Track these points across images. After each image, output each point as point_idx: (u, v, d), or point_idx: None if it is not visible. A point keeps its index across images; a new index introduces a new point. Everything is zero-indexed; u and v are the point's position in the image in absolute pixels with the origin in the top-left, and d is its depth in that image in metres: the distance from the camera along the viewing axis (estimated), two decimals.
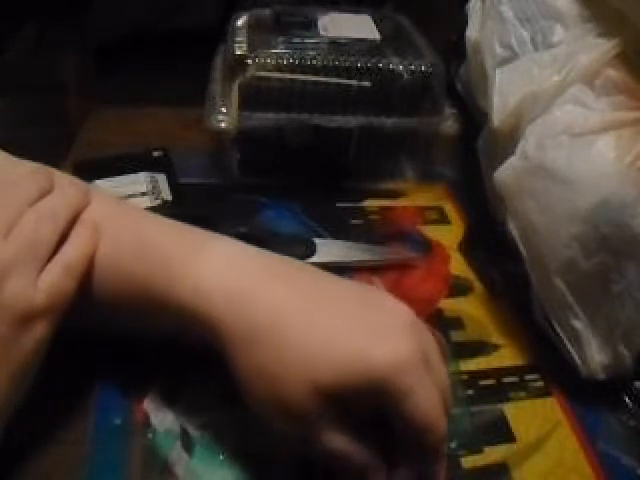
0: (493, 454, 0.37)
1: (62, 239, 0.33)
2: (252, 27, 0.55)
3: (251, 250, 0.35)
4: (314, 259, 0.48)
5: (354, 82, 0.51)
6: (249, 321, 0.31)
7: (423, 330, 0.32)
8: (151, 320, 0.34)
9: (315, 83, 0.50)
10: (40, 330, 0.30)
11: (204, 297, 0.31)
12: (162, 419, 0.36)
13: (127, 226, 0.35)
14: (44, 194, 0.33)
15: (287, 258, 0.35)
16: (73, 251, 0.32)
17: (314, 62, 0.50)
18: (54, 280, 0.31)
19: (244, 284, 0.32)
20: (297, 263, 0.35)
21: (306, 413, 0.29)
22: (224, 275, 0.32)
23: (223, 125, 0.50)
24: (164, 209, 0.52)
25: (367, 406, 0.30)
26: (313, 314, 0.31)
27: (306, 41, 0.53)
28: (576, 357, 0.40)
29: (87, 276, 0.33)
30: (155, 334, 0.35)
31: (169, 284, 0.32)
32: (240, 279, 0.32)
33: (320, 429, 0.30)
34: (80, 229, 0.34)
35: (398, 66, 0.52)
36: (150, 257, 0.33)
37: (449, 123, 0.54)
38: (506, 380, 0.42)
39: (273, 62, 0.50)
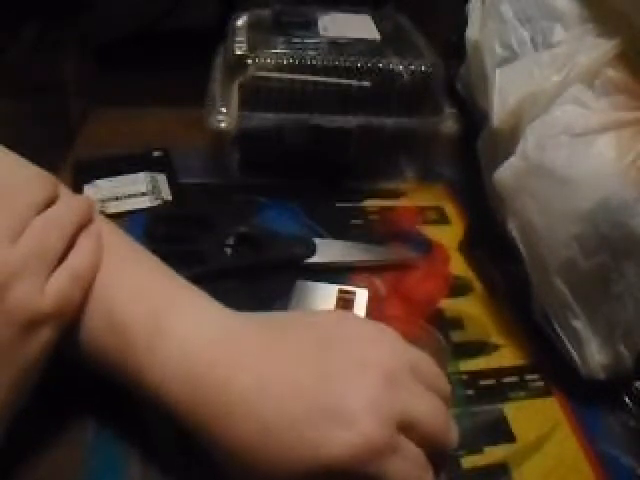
0: (493, 454, 0.37)
1: (68, 248, 0.33)
2: (252, 27, 0.55)
3: (212, 324, 0.33)
4: (314, 259, 0.48)
5: (354, 82, 0.51)
6: (207, 425, 0.30)
7: (403, 378, 0.30)
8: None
9: (315, 83, 0.50)
10: (45, 335, 0.30)
11: (170, 390, 0.31)
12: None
13: (100, 286, 0.33)
14: (50, 200, 0.33)
15: (249, 324, 0.33)
16: (80, 260, 0.33)
17: (314, 62, 0.50)
18: (61, 287, 0.31)
19: (199, 380, 0.31)
20: (262, 328, 0.33)
21: None
22: (183, 369, 0.31)
23: (223, 125, 0.50)
24: (164, 209, 0.52)
25: None
26: (266, 414, 0.29)
27: (306, 41, 0.53)
28: (576, 357, 0.40)
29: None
30: None
31: (138, 372, 0.32)
32: (201, 371, 0.31)
33: None
34: (86, 239, 0.34)
35: (398, 66, 0.52)
36: (117, 335, 0.32)
37: (449, 123, 0.54)
38: (506, 380, 0.42)
39: (273, 62, 0.50)
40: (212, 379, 0.31)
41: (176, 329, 0.32)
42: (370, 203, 0.56)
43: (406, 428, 0.29)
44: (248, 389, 0.30)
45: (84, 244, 0.34)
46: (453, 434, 0.31)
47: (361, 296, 0.45)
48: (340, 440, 0.28)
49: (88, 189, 0.52)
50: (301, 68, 0.50)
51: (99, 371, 0.34)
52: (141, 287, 0.34)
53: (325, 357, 0.31)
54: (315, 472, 0.28)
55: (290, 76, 0.50)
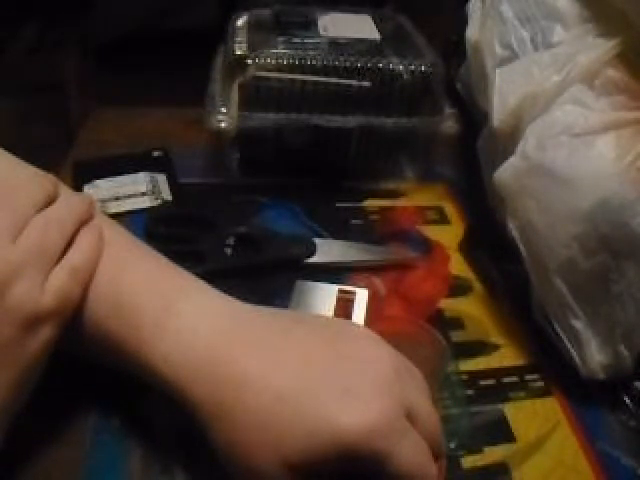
0: (493, 454, 0.37)
1: (68, 246, 0.33)
2: (252, 27, 0.55)
3: (223, 309, 0.34)
4: (314, 259, 0.48)
5: (354, 82, 0.51)
6: (215, 398, 0.30)
7: (406, 377, 0.31)
8: (127, 370, 0.33)
9: (315, 83, 0.50)
10: (46, 333, 0.30)
11: (173, 369, 0.31)
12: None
13: (107, 271, 0.34)
14: (50, 199, 0.33)
15: (260, 313, 0.34)
16: (79, 256, 0.33)
17: (314, 62, 0.50)
18: (61, 284, 0.31)
19: (212, 357, 0.31)
20: (270, 319, 0.34)
21: None
22: (192, 346, 0.31)
23: (223, 125, 0.50)
24: (164, 209, 0.52)
25: (346, 467, 0.29)
26: (282, 384, 0.30)
27: (306, 41, 0.53)
28: (576, 357, 0.40)
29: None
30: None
31: (140, 350, 0.32)
32: (208, 351, 0.31)
33: None
34: (86, 234, 0.34)
35: (398, 66, 0.52)
36: (123, 317, 0.32)
37: (449, 123, 0.54)
38: (506, 380, 0.42)
39: (273, 62, 0.50)
40: (227, 363, 0.31)
41: (187, 310, 0.33)
42: (370, 203, 0.56)
43: (411, 419, 0.30)
44: (264, 364, 0.30)
45: (83, 240, 0.34)
46: (442, 440, 0.32)
47: (361, 296, 0.45)
48: (357, 413, 0.28)
49: (88, 189, 0.52)
50: (301, 68, 0.50)
51: (101, 359, 0.34)
52: (150, 274, 0.35)
53: (336, 347, 0.32)
54: (326, 445, 0.28)
55: (290, 76, 0.50)
